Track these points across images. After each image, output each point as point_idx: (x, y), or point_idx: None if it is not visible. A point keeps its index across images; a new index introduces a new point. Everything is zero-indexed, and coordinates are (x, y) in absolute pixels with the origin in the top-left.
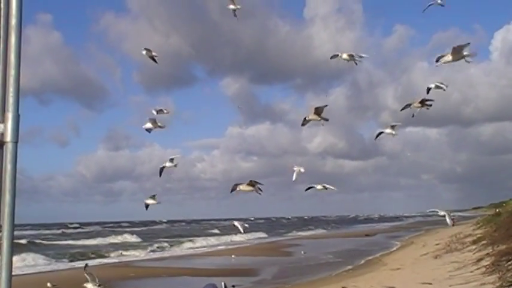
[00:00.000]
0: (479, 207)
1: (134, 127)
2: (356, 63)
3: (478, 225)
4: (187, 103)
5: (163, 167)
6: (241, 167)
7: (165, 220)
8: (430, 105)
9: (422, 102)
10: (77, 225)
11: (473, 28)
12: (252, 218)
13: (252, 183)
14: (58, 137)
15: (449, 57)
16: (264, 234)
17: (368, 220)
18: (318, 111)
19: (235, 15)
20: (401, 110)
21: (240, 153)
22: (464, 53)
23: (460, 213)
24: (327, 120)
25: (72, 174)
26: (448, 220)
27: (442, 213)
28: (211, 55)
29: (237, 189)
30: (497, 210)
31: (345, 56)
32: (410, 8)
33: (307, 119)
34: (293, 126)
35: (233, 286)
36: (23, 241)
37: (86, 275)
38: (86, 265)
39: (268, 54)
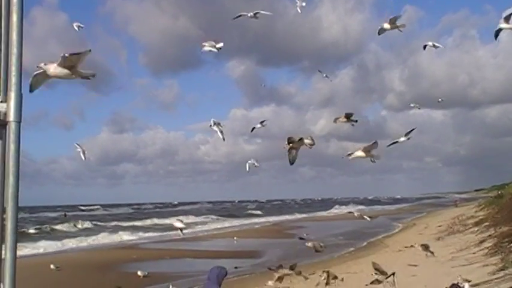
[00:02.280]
0: (481, 189)
1: (139, 109)
2: (401, 30)
3: (481, 207)
4: (193, 86)
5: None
6: (244, 150)
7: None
8: (356, 121)
9: (348, 117)
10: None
11: (485, 9)
12: (264, 200)
13: (301, 140)
14: (63, 120)
15: (360, 153)
16: (270, 216)
17: (372, 202)
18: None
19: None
20: (334, 121)
21: (243, 136)
22: (373, 153)
23: (462, 195)
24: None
25: (76, 157)
26: None
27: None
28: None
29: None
30: (500, 192)
31: (386, 25)
32: None
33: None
34: (298, 109)
35: (235, 268)
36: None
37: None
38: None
39: (276, 37)
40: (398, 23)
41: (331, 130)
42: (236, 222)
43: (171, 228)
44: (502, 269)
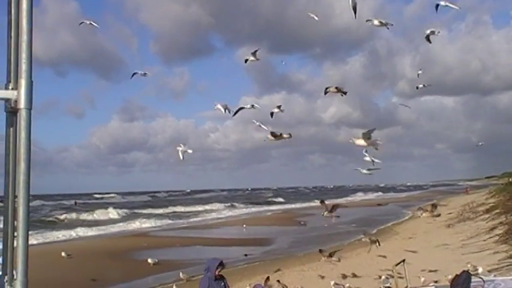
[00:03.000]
0: (492, 177)
1: (150, 98)
2: (388, 28)
3: (491, 194)
4: (204, 73)
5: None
6: (254, 137)
7: (177, 190)
8: (345, 92)
9: (338, 89)
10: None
11: None
12: (276, 188)
13: (340, 89)
14: (74, 109)
15: (361, 142)
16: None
17: (381, 189)
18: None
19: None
20: (325, 93)
21: (253, 124)
22: (373, 140)
23: (472, 183)
24: (345, 93)
25: (86, 146)
26: None
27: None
28: (230, 25)
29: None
30: (511, 179)
31: (376, 22)
32: None
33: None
34: (309, 96)
35: (245, 255)
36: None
37: None
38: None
39: (287, 24)
40: (385, 21)
41: (341, 117)
42: (261, 208)
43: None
44: None
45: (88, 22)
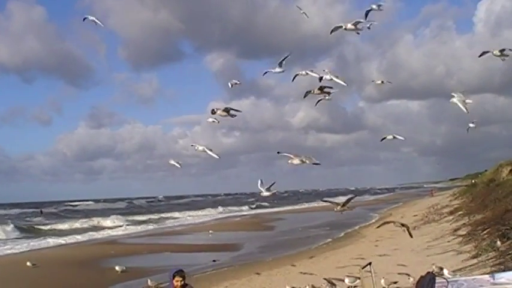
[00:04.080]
0: (455, 179)
1: (118, 104)
2: (358, 33)
3: (455, 196)
4: (173, 79)
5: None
6: (223, 143)
7: (144, 197)
8: (329, 92)
9: (321, 89)
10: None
11: (462, 0)
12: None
13: (322, 88)
14: (40, 116)
15: (296, 160)
16: (246, 208)
17: (346, 193)
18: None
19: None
20: (304, 97)
21: (222, 129)
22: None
23: (437, 185)
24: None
25: (53, 153)
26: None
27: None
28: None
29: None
30: (473, 181)
31: (349, 26)
32: None
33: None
34: (277, 101)
35: (214, 261)
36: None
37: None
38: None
39: (256, 29)
40: (359, 26)
41: (310, 122)
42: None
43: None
44: (475, 257)
45: (91, 18)
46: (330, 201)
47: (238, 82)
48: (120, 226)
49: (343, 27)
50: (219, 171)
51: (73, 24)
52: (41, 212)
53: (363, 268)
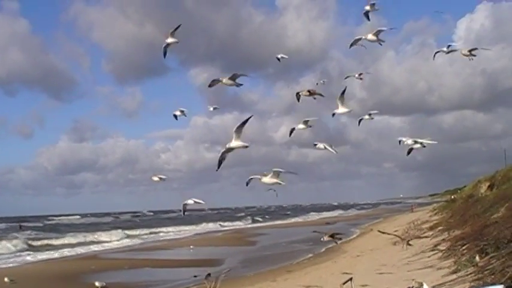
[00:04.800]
0: (435, 194)
1: (101, 118)
2: (381, 44)
3: (435, 212)
4: (156, 93)
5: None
6: (205, 157)
7: (128, 211)
8: (320, 94)
9: (310, 92)
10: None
11: (444, 18)
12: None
13: (312, 91)
14: (22, 129)
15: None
16: (228, 223)
17: (329, 208)
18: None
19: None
20: (297, 100)
21: (204, 143)
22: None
23: (417, 200)
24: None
25: (34, 167)
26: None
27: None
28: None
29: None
30: (452, 196)
31: (370, 36)
32: None
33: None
34: (260, 116)
35: (195, 276)
36: None
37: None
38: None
39: (241, 44)
40: (381, 36)
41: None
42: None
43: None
44: (454, 272)
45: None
46: (318, 232)
47: (217, 107)
48: (118, 240)
49: (364, 38)
50: (201, 186)
51: (57, 37)
52: (20, 227)
53: (344, 284)
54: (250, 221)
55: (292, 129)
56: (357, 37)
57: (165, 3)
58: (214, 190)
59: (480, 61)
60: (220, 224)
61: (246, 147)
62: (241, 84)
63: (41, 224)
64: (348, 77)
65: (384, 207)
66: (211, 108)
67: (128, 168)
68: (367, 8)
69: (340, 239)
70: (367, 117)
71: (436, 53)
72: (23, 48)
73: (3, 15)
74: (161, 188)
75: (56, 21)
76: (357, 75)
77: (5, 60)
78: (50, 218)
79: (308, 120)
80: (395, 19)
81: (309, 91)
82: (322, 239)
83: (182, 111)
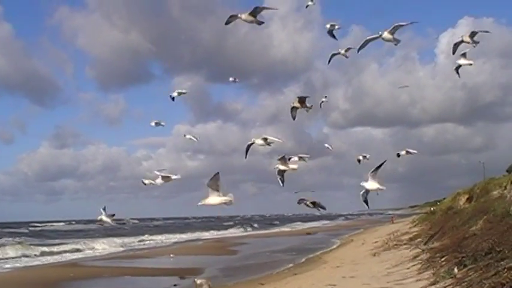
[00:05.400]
0: (415, 206)
1: (83, 124)
2: (396, 44)
3: (415, 223)
4: (140, 101)
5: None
6: (187, 166)
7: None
8: (310, 107)
9: (301, 103)
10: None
11: (427, 31)
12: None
13: (302, 100)
14: (2, 134)
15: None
16: (206, 232)
17: (309, 218)
18: (301, 100)
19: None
20: (293, 118)
21: (187, 152)
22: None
23: (397, 212)
24: (310, 107)
25: (13, 173)
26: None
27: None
28: (170, 53)
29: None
30: (432, 209)
31: (386, 34)
32: (366, 9)
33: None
34: (243, 125)
35: (174, 285)
36: None
37: None
38: None
39: (226, 53)
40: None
41: (274, 147)
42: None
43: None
44: (433, 283)
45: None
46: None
47: (197, 138)
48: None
49: (379, 36)
50: (183, 194)
51: (41, 41)
52: None
53: None
54: (244, 229)
55: (249, 145)
56: (334, 52)
57: (151, 11)
58: (196, 198)
59: (461, 75)
60: (211, 233)
61: (228, 202)
62: (262, 22)
63: (25, 231)
64: (334, 54)
65: (365, 218)
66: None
67: (110, 175)
68: (328, 26)
69: (324, 208)
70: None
71: (455, 45)
72: (5, 53)
73: None
74: (142, 195)
75: (40, 26)
76: (342, 52)
77: None
78: (33, 224)
79: (267, 138)
80: (379, 30)
81: (299, 100)
82: (305, 203)
83: (158, 123)
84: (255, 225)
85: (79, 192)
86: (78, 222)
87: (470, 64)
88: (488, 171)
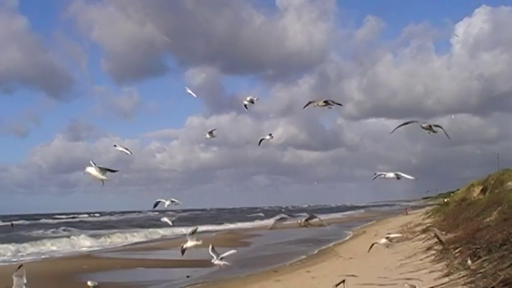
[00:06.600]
0: (428, 197)
1: (98, 117)
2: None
3: (428, 215)
4: (154, 93)
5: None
6: (200, 157)
7: (118, 211)
8: (332, 104)
9: (326, 102)
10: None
11: (443, 21)
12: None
13: (326, 101)
14: (18, 127)
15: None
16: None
17: (323, 210)
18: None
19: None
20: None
21: (200, 144)
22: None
23: (411, 203)
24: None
25: (27, 165)
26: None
27: (391, 174)
28: (184, 45)
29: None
30: (446, 200)
31: (321, 103)
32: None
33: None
34: (257, 118)
35: (188, 276)
36: None
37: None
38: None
39: (241, 45)
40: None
41: (288, 138)
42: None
43: None
44: (447, 275)
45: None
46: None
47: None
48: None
49: (316, 104)
50: (196, 186)
51: (56, 35)
52: (12, 225)
53: (336, 286)
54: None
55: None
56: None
57: (166, 4)
58: (208, 190)
59: (478, 65)
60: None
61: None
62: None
63: (53, 222)
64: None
65: (378, 209)
66: (207, 135)
67: (122, 167)
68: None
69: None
70: (268, 137)
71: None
72: (21, 46)
73: (2, 12)
74: (155, 188)
75: (55, 19)
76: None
77: (3, 57)
78: (55, 216)
79: (212, 131)
80: (395, 22)
81: (325, 101)
82: (298, 222)
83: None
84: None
85: (92, 184)
86: (101, 214)
87: None
88: (502, 162)
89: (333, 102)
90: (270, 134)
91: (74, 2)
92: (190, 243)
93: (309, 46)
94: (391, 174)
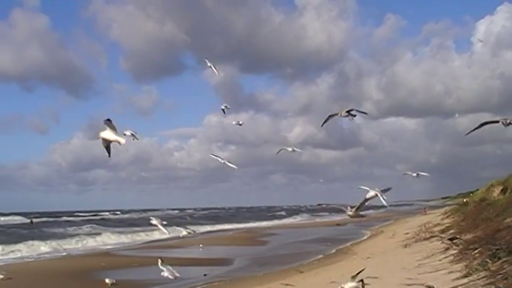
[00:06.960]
0: (447, 197)
1: (117, 115)
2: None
3: (447, 215)
4: (172, 92)
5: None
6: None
7: (141, 209)
8: (355, 115)
9: (349, 112)
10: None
11: (464, 19)
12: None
13: (349, 111)
14: (38, 125)
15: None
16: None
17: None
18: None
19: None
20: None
21: (218, 143)
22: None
23: (429, 203)
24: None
25: (47, 163)
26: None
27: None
28: (203, 43)
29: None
30: (465, 200)
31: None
32: None
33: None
34: (275, 116)
35: (205, 275)
36: None
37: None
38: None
39: (259, 44)
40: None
41: (306, 137)
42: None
43: None
44: (466, 276)
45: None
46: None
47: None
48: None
49: (338, 115)
50: (213, 185)
51: (76, 33)
52: (31, 222)
53: (354, 276)
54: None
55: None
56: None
57: (185, 2)
58: (226, 189)
59: (499, 64)
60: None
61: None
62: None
63: (76, 219)
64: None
65: (396, 209)
66: (223, 107)
67: (141, 166)
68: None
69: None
70: (289, 149)
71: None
72: (42, 44)
73: (24, 11)
74: (172, 186)
75: (75, 18)
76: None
77: (24, 56)
78: (77, 214)
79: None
80: (416, 20)
81: (348, 111)
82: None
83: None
84: (304, 214)
85: (110, 182)
86: (123, 212)
87: None
88: None
89: (357, 111)
90: (293, 149)
91: (94, 1)
92: (155, 221)
93: (328, 45)
94: (414, 174)
